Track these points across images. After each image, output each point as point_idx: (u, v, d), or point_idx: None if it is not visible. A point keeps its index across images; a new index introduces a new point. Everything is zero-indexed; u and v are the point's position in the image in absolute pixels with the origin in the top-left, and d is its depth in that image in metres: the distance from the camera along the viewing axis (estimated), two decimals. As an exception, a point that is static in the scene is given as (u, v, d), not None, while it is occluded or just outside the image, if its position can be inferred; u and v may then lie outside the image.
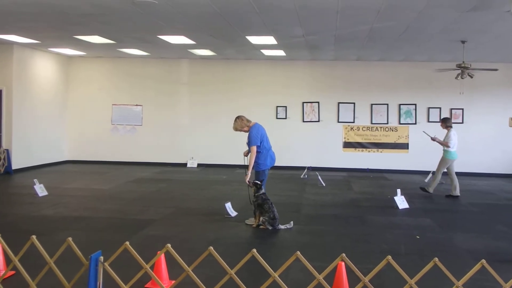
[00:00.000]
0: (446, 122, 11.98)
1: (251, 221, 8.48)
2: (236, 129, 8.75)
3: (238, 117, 8.77)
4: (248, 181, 8.54)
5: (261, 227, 8.19)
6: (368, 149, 16.43)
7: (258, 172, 8.68)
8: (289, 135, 16.45)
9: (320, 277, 3.83)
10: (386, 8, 8.47)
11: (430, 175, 14.19)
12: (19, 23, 10.72)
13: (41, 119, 15.75)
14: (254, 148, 8.48)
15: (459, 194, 11.77)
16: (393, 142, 14.37)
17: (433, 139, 11.96)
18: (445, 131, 11.94)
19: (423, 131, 12.67)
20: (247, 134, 8.71)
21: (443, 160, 11.87)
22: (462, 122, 16.02)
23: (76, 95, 17.34)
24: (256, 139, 8.52)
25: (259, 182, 8.38)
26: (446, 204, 10.90)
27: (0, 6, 8.97)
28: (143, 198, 10.94)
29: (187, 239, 7.51)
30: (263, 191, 8.33)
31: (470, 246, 7.37)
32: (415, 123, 15.86)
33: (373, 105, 16.40)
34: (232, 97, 16.68)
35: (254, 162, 8.55)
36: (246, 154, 8.85)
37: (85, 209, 9.63)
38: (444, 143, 11.76)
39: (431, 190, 12.07)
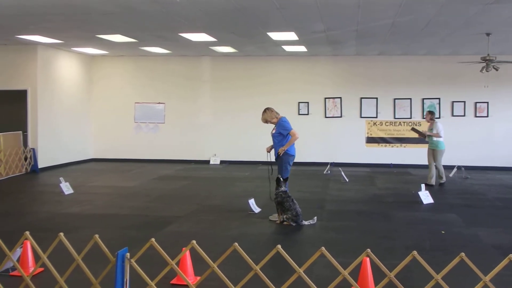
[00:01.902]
0: (432, 115, 12.47)
1: (275, 217, 8.49)
2: (265, 120, 8.75)
3: (267, 109, 8.77)
4: (267, 150, 8.73)
5: (285, 223, 8.19)
6: (391, 144, 16.31)
7: (282, 158, 8.55)
8: (311, 131, 16.39)
9: (345, 272, 3.82)
10: (407, 2, 8.39)
11: (455, 169, 14.06)
12: (43, 23, 10.87)
13: (66, 118, 15.96)
14: (294, 131, 8.49)
15: (434, 184, 12.23)
16: (417, 136, 14.10)
17: (423, 134, 12.33)
18: (423, 125, 12.40)
19: (413, 128, 12.92)
20: (273, 127, 8.73)
21: (438, 152, 12.21)
22: (487, 116, 15.80)
23: (99, 94, 17.54)
24: (290, 124, 8.56)
25: (281, 178, 8.36)
26: (471, 199, 10.77)
27: (24, 7, 9.12)
28: (167, 195, 11.02)
29: (211, 235, 7.55)
30: (284, 188, 8.30)
31: (496, 241, 7.27)
32: (439, 117, 15.66)
33: (396, 100, 16.26)
34: (254, 93, 16.68)
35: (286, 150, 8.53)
36: (269, 150, 8.85)
37: (110, 206, 9.75)
38: (436, 135, 12.13)
39: (433, 182, 12.25)
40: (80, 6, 8.97)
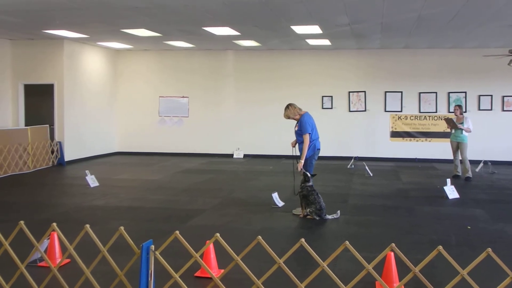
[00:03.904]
0: (461, 109, 12.51)
1: (298, 211, 8.48)
2: (288, 116, 8.68)
3: (290, 105, 8.70)
4: (300, 169, 8.47)
5: (308, 217, 8.18)
6: (416, 139, 16.14)
7: (304, 161, 8.60)
8: (335, 125, 16.32)
9: (370, 266, 3.80)
10: (434, -6, 8.28)
11: (482, 164, 13.85)
12: (69, 18, 11.00)
13: (91, 112, 16.16)
14: (307, 136, 8.38)
15: (461, 174, 12.52)
16: (442, 131, 14.00)
17: (456, 126, 12.25)
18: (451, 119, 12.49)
19: (448, 118, 12.72)
20: (295, 122, 8.69)
21: (465, 145, 12.24)
22: (515, 110, 15.54)
23: (124, 88, 17.70)
24: (309, 126, 8.46)
25: (308, 174, 8.34)
26: (498, 194, 10.60)
27: (51, 3, 9.23)
28: (191, 188, 11.09)
29: (234, 229, 7.58)
30: (310, 183, 8.30)
31: (524, 237, 7.16)
32: (465, 111, 15.43)
33: (421, 94, 16.07)
34: (277, 87, 16.65)
35: (301, 151, 8.51)
36: (294, 145, 8.82)
37: (135, 199, 9.85)
38: (468, 129, 12.17)
39: (465, 175, 12.26)
40: (106, 1, 9.05)
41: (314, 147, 8.56)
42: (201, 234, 6.92)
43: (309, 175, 8.31)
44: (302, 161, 8.38)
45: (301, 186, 8.29)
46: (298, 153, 8.68)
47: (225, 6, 9.45)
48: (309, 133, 8.40)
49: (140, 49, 17.19)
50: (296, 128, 8.63)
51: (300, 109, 8.66)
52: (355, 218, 8.32)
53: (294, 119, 8.67)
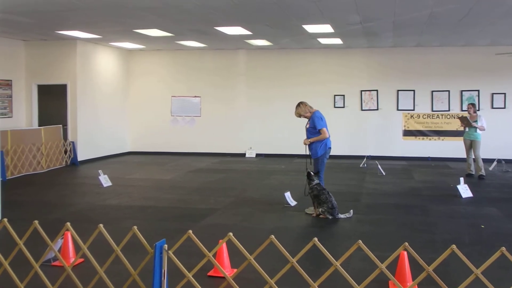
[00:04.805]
0: (475, 107, 12.48)
1: (311, 210, 8.48)
2: (299, 114, 8.75)
3: (301, 103, 8.76)
4: (304, 143, 8.66)
5: (321, 216, 8.17)
6: (429, 137, 16.04)
7: (315, 160, 8.66)
8: (347, 124, 16.28)
9: (383, 266, 3.79)
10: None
11: (495, 163, 13.74)
12: (82, 18, 11.07)
13: (104, 111, 16.25)
14: (324, 129, 8.48)
15: (474, 172, 12.43)
16: (455, 129, 13.88)
17: (470, 124, 12.19)
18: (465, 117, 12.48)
19: (462, 117, 12.69)
20: (306, 121, 8.71)
21: (478, 143, 12.20)
22: (529, 108, 15.39)
23: (136, 88, 17.78)
24: (322, 121, 8.54)
25: (311, 173, 8.35)
26: (513, 193, 10.51)
27: (64, 3, 9.30)
28: (203, 188, 11.12)
29: (247, 228, 7.59)
30: (316, 181, 8.29)
31: (539, 236, 7.09)
32: (479, 110, 15.30)
33: (434, 92, 15.97)
34: (289, 86, 16.63)
35: (313, 150, 8.55)
36: (306, 143, 8.84)
37: (147, 198, 9.89)
38: (482, 128, 12.13)
39: (478, 173, 12.22)
40: (118, 1, 9.09)
41: (326, 146, 8.58)
42: (213, 233, 6.94)
43: (312, 173, 8.32)
44: (312, 140, 8.52)
45: (310, 186, 8.30)
46: (309, 153, 8.72)
47: (237, 6, 9.45)
48: (324, 127, 8.46)
49: (153, 49, 17.26)
50: (308, 126, 8.65)
51: (311, 107, 8.72)
52: (367, 217, 8.29)
53: (305, 117, 8.71)
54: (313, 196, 8.26)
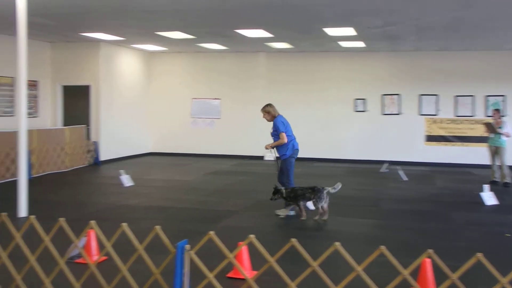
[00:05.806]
0: (499, 113, 12.36)
1: (283, 211, 8.62)
2: (268, 112, 8.91)
3: (270, 104, 9.02)
4: (266, 147, 9.08)
5: (321, 211, 8.14)
6: (452, 143, 15.85)
7: (283, 161, 8.95)
8: (368, 128, 16.15)
9: (406, 272, 3.75)
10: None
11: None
12: (106, 21, 11.19)
13: (126, 113, 16.39)
14: (283, 134, 8.75)
15: (499, 180, 12.18)
16: (479, 135, 13.67)
17: (495, 131, 12.03)
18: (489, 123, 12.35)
19: (487, 123, 12.48)
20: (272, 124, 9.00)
21: (504, 150, 12.02)
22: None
23: (157, 90, 17.90)
24: (282, 125, 8.79)
25: (278, 188, 8.52)
26: (537, 201, 10.33)
27: (88, 6, 9.41)
28: (222, 190, 11.14)
29: (266, 230, 7.58)
30: (284, 188, 8.50)
31: None
32: (504, 116, 15.08)
33: (457, 97, 15.78)
34: (309, 90, 16.57)
35: (280, 152, 8.96)
36: (267, 148, 9.16)
37: (167, 199, 9.94)
38: (507, 134, 12.00)
39: (503, 180, 12.07)
40: (141, 4, 9.17)
41: (293, 147, 8.94)
42: (232, 235, 6.94)
43: (277, 189, 8.51)
44: (271, 145, 8.96)
45: (283, 197, 8.44)
46: (278, 155, 9.10)
47: (259, 8, 9.46)
48: (283, 132, 8.72)
49: (174, 51, 17.36)
50: (272, 131, 8.94)
51: (274, 111, 8.98)
52: (387, 223, 8.23)
53: (267, 119, 8.98)
54: (293, 197, 8.36)
